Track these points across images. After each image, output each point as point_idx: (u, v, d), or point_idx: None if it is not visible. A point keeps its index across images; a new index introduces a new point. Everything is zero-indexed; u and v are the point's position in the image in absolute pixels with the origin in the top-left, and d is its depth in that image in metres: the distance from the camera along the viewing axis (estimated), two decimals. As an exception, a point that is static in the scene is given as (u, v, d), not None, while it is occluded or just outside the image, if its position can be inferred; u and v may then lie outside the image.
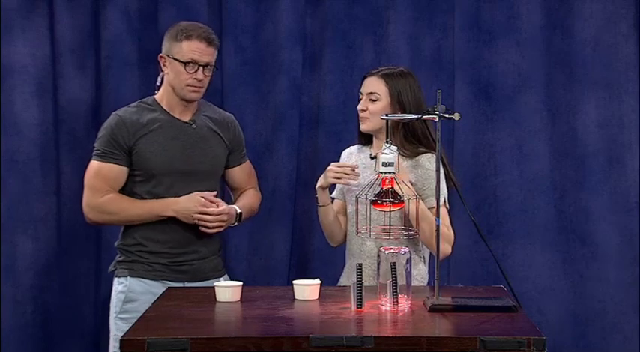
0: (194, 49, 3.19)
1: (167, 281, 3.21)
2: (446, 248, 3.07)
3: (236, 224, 3.32)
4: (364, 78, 3.18)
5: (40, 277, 4.07)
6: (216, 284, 2.83)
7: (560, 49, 4.10)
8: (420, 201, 3.00)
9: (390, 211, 2.74)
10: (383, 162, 2.68)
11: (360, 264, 2.65)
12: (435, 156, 3.00)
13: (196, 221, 3.19)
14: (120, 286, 3.24)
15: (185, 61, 3.19)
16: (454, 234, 3.10)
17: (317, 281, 2.81)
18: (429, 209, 3.02)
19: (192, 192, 3.21)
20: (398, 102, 3.11)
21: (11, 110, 4.06)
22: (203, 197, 3.20)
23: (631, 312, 4.06)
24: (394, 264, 2.61)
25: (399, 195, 2.70)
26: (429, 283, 3.14)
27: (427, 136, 3.13)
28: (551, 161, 4.10)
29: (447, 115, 2.68)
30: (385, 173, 2.69)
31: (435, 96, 2.69)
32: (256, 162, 3.95)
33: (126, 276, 3.24)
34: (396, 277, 2.60)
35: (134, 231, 3.25)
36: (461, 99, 4.09)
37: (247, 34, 4.14)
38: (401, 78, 3.13)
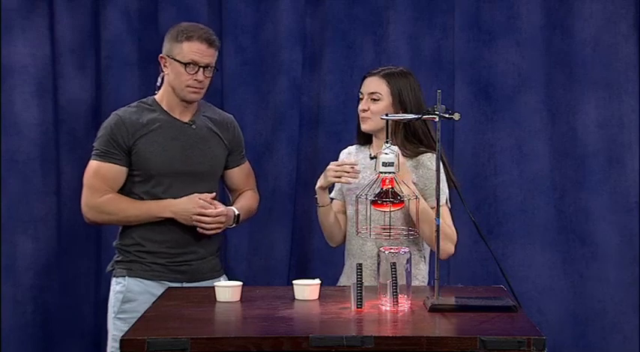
0: (195, 50, 3.19)
1: (165, 282, 3.21)
2: (449, 247, 3.07)
3: (234, 225, 3.32)
4: (364, 78, 3.18)
5: (40, 277, 4.07)
6: (216, 284, 2.83)
7: (560, 49, 4.10)
8: (423, 200, 3.00)
9: (390, 211, 2.74)
10: (383, 162, 2.69)
11: (360, 264, 2.65)
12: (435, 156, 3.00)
13: (195, 222, 3.19)
14: (118, 286, 3.24)
15: (185, 62, 3.19)
16: (456, 233, 3.11)
17: (317, 281, 2.81)
18: (431, 208, 3.01)
19: (191, 193, 3.21)
20: (399, 102, 3.11)
21: (11, 110, 4.06)
22: (201, 198, 3.20)
23: (631, 312, 4.06)
24: (394, 263, 2.61)
25: (399, 195, 2.70)
26: (429, 283, 3.14)
27: (428, 136, 3.13)
28: (551, 161, 4.10)
29: (447, 115, 2.68)
30: (385, 173, 2.69)
31: (435, 96, 2.69)
32: (256, 162, 3.95)
33: (124, 276, 3.24)
34: (396, 277, 2.60)
35: (132, 231, 3.25)
36: (461, 99, 4.09)
37: (247, 34, 4.14)
38: (402, 78, 3.13)
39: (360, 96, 3.16)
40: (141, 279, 3.23)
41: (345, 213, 3.23)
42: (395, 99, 3.11)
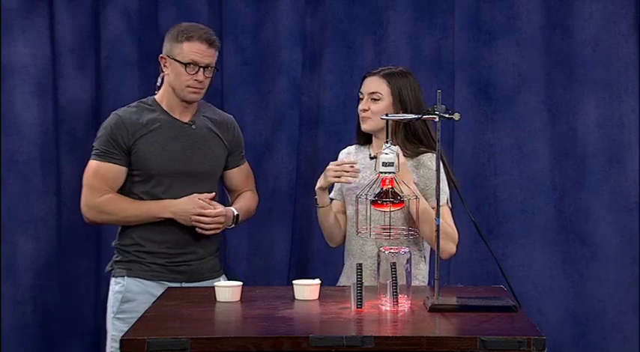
0: (195, 50, 3.19)
1: (164, 282, 3.20)
2: (450, 247, 3.07)
3: (233, 226, 3.32)
4: (364, 78, 3.18)
5: (40, 277, 4.07)
6: (216, 284, 2.83)
7: (560, 49, 4.10)
8: (424, 200, 3.00)
9: (390, 211, 2.74)
10: (383, 162, 2.68)
11: (361, 264, 2.65)
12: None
13: (194, 222, 3.19)
14: (117, 286, 3.24)
15: (186, 62, 3.19)
16: (458, 233, 3.11)
17: (317, 281, 2.81)
18: (432, 208, 3.01)
19: (191, 193, 3.21)
20: (399, 102, 3.11)
21: (11, 110, 4.06)
22: (200, 198, 3.19)
23: (631, 312, 4.06)
24: (394, 264, 2.61)
25: (399, 195, 2.70)
26: (429, 283, 3.14)
27: (428, 136, 3.13)
28: (551, 161, 4.10)
29: (447, 115, 2.68)
30: (385, 173, 2.69)
31: (435, 96, 2.69)
32: (256, 162, 3.96)
33: (123, 276, 3.24)
34: (396, 277, 2.60)
35: (132, 231, 3.25)
36: (461, 99, 4.09)
37: (247, 34, 4.14)
38: (402, 77, 3.13)
39: (360, 96, 3.16)
40: (140, 279, 3.22)
41: (344, 213, 3.23)
42: (395, 98, 3.11)
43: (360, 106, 3.14)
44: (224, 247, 4.05)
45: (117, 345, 3.04)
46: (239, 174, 3.42)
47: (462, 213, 3.05)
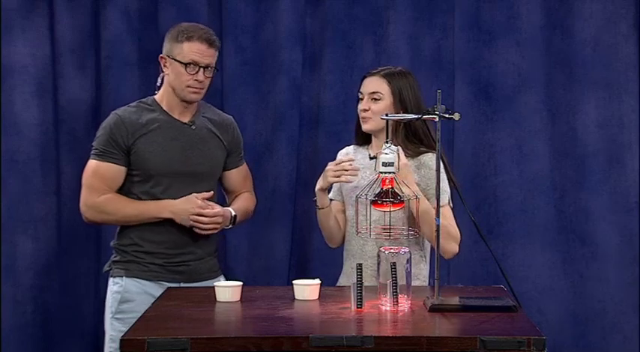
0: (195, 50, 3.19)
1: (163, 282, 3.20)
2: (453, 247, 3.08)
3: (230, 226, 3.32)
4: (364, 78, 3.18)
5: (40, 277, 4.07)
6: (216, 284, 2.83)
7: (560, 49, 4.10)
8: (425, 200, 3.00)
9: (390, 211, 2.74)
10: (383, 162, 2.68)
11: (361, 264, 2.65)
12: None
13: (192, 222, 3.19)
14: (115, 286, 3.24)
15: (186, 62, 3.19)
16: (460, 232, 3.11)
17: (317, 281, 2.81)
18: (434, 208, 3.01)
19: (189, 194, 3.20)
20: (400, 102, 3.10)
21: (11, 110, 4.06)
22: (198, 198, 3.19)
23: (631, 312, 4.06)
24: (394, 263, 2.61)
25: (399, 195, 2.69)
26: (429, 283, 3.14)
27: (428, 136, 3.13)
28: (551, 161, 4.10)
29: (447, 115, 2.68)
30: (385, 173, 2.69)
31: (435, 96, 2.69)
32: (256, 162, 3.96)
33: (122, 276, 3.23)
34: (396, 277, 2.60)
35: (130, 231, 3.25)
36: (461, 99, 4.09)
37: (247, 34, 4.14)
38: (402, 77, 3.13)
39: (360, 97, 3.15)
40: (138, 279, 3.22)
41: (344, 213, 3.23)
42: (395, 98, 3.11)
43: (361, 106, 3.14)
44: (224, 247, 4.05)
45: (115, 345, 3.07)
46: (237, 176, 3.42)
47: (462, 213, 3.05)
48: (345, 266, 3.21)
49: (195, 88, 3.21)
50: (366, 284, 2.65)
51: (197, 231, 3.20)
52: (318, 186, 3.12)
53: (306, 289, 2.78)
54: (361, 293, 2.61)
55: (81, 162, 3.35)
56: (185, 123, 3.27)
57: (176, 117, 3.27)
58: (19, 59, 4.06)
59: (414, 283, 2.85)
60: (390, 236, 2.89)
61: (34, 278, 4.07)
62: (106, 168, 3.21)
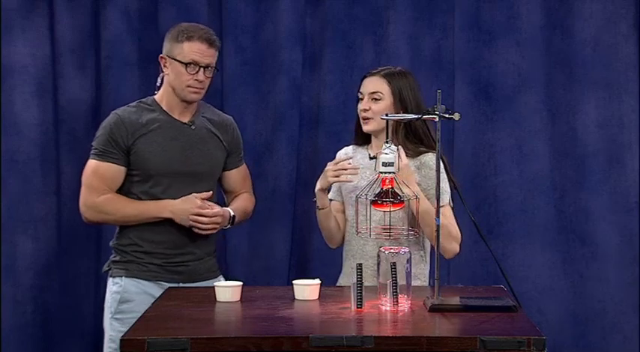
0: (195, 50, 3.19)
1: (162, 282, 3.20)
2: (454, 247, 3.08)
3: (229, 226, 3.32)
4: (364, 78, 3.18)
5: (40, 277, 4.07)
6: (216, 284, 2.83)
7: (560, 49, 4.10)
8: (426, 200, 3.00)
9: (390, 211, 2.74)
10: (383, 162, 2.68)
11: (360, 264, 2.65)
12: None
13: (191, 222, 3.19)
14: (115, 286, 3.24)
15: (186, 62, 3.19)
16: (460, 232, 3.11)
17: (317, 281, 2.81)
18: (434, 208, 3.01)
19: (189, 194, 3.20)
20: (400, 102, 3.10)
21: (11, 110, 4.06)
22: (197, 197, 3.19)
23: (631, 312, 4.06)
24: (394, 263, 2.61)
25: (399, 195, 2.69)
26: (430, 283, 3.14)
27: (428, 136, 3.13)
28: (551, 161, 4.10)
29: (447, 115, 2.68)
30: (385, 173, 2.69)
31: (435, 96, 2.69)
32: (256, 162, 3.96)
33: (121, 276, 3.23)
34: (396, 277, 2.60)
35: (129, 231, 3.24)
36: (461, 99, 4.09)
37: (247, 34, 4.14)
38: (402, 77, 3.13)
39: (360, 97, 3.15)
40: (138, 280, 3.22)
41: (343, 212, 3.23)
42: (395, 98, 3.10)
43: (361, 106, 3.14)
44: (224, 247, 4.05)
45: (114, 345, 3.07)
46: (237, 176, 3.42)
47: (462, 213, 3.05)
48: (345, 266, 3.21)
49: (196, 87, 3.21)
50: (366, 284, 2.65)
51: (196, 231, 3.20)
52: (317, 187, 3.12)
53: (306, 289, 2.78)
54: (361, 293, 2.61)
55: (81, 162, 3.35)
56: (185, 123, 3.27)
57: (176, 117, 3.27)
58: (19, 59, 4.06)
59: (414, 283, 2.85)
60: (390, 236, 2.89)
61: (34, 278, 4.07)
62: (106, 168, 3.21)
